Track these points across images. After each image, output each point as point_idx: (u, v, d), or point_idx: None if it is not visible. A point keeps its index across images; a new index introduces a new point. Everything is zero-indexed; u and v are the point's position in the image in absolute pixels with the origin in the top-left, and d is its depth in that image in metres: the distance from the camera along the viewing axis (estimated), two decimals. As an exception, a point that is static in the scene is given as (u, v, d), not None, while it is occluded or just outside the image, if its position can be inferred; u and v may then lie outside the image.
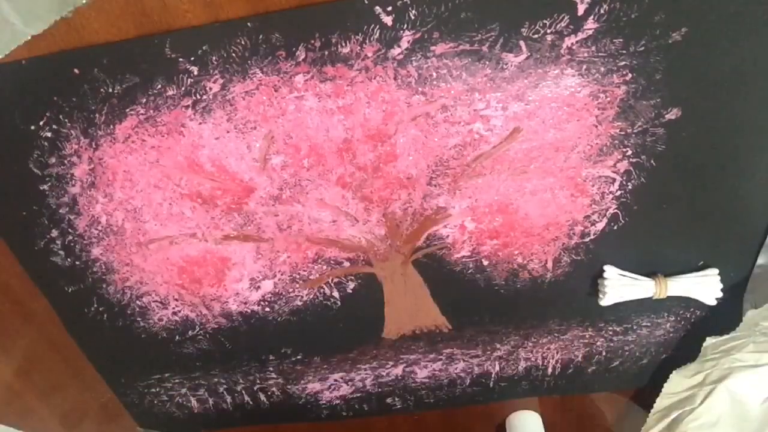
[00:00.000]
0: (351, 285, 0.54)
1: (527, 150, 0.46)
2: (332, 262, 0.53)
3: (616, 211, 0.49)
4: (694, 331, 0.57)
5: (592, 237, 0.50)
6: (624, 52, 0.41)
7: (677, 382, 0.52)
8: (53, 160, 0.47)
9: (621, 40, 0.40)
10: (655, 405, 0.52)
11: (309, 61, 0.42)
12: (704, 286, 0.51)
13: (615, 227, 0.50)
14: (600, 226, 0.50)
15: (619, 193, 0.48)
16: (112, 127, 0.45)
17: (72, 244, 0.51)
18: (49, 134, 0.45)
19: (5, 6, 0.38)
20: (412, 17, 0.40)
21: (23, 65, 0.42)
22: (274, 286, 0.54)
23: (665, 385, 0.52)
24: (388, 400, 0.65)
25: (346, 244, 0.51)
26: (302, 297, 0.55)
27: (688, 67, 0.41)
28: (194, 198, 0.49)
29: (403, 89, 0.43)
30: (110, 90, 0.43)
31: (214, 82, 0.43)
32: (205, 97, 0.44)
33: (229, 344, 0.59)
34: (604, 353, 0.59)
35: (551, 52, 0.41)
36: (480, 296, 0.54)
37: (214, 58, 0.42)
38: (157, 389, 0.64)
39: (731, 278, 0.52)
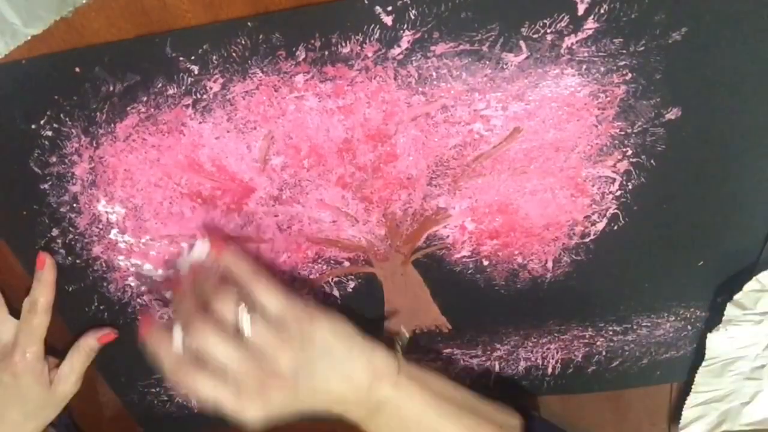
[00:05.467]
0: (351, 285, 0.54)
1: (527, 150, 0.46)
2: (332, 262, 0.53)
3: (616, 211, 0.49)
4: (694, 331, 0.57)
5: (592, 237, 0.50)
6: (624, 52, 0.41)
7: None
8: (54, 159, 0.47)
9: (621, 40, 0.40)
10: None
11: (309, 61, 0.42)
12: None
13: (615, 227, 0.50)
14: (600, 226, 0.50)
15: (619, 193, 0.48)
16: (112, 125, 0.45)
17: (72, 243, 0.51)
18: (49, 133, 0.45)
19: (5, 6, 0.38)
20: (412, 17, 0.40)
21: (23, 65, 0.42)
22: (274, 285, 0.54)
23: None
24: (388, 400, 0.65)
25: (346, 244, 0.51)
26: (302, 297, 0.55)
27: (688, 67, 0.41)
28: (194, 198, 0.49)
29: (403, 89, 0.43)
30: (111, 89, 0.43)
31: (215, 82, 0.43)
32: (205, 96, 0.44)
33: (229, 344, 0.59)
34: (604, 353, 0.59)
35: (551, 52, 0.41)
36: (480, 296, 0.54)
37: (214, 57, 0.42)
38: (157, 389, 0.64)
39: (731, 279, 0.52)
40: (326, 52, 0.41)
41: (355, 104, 0.44)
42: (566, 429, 0.51)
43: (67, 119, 0.45)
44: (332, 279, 0.54)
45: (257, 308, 0.44)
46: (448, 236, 0.51)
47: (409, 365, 0.47)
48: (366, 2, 0.39)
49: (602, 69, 0.42)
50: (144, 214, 0.50)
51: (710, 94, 0.43)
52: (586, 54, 0.41)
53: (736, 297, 0.52)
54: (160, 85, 0.43)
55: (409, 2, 0.39)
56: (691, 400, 0.57)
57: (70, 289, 0.54)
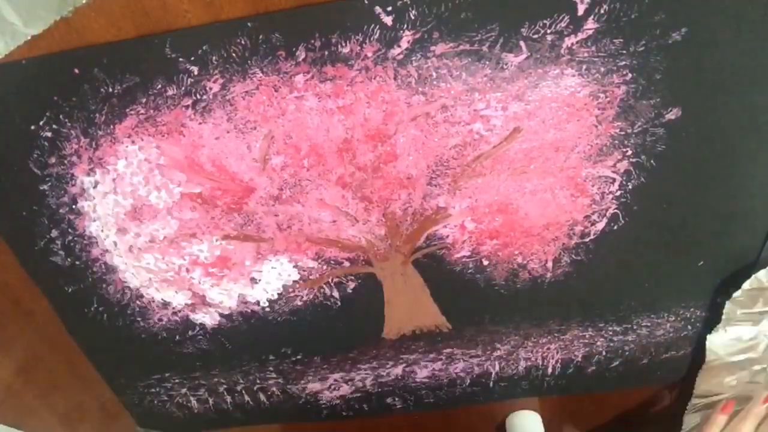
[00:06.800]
0: (351, 285, 0.54)
1: (527, 150, 0.46)
2: (332, 262, 0.53)
3: (616, 211, 0.49)
4: (694, 331, 0.57)
5: (592, 237, 0.50)
6: (624, 52, 0.41)
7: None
8: (53, 159, 0.47)
9: (621, 40, 0.40)
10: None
11: (309, 61, 0.42)
12: None
13: (615, 227, 0.50)
14: (600, 226, 0.50)
15: (619, 193, 0.48)
16: (112, 126, 0.45)
17: (72, 244, 0.51)
18: (49, 134, 0.45)
19: (5, 6, 0.38)
20: (412, 17, 0.40)
21: (23, 65, 0.42)
22: (274, 286, 0.54)
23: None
24: (388, 400, 0.65)
25: (346, 244, 0.51)
26: (302, 297, 0.55)
27: (688, 67, 0.41)
28: (194, 198, 0.49)
29: (403, 89, 0.43)
30: (110, 90, 0.43)
31: (214, 82, 0.43)
32: (205, 96, 0.44)
33: (229, 344, 0.59)
34: (604, 353, 0.59)
35: (551, 52, 0.41)
36: (480, 296, 0.54)
37: (214, 58, 0.42)
38: (157, 389, 0.64)
39: (731, 278, 0.52)
40: (326, 52, 0.41)
41: (355, 104, 0.44)
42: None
43: (67, 120, 0.45)
44: (332, 279, 0.54)
45: None
46: (448, 236, 0.51)
47: None
48: (366, 2, 0.39)
49: (602, 69, 0.42)
50: (143, 216, 0.50)
51: (710, 94, 0.43)
52: (586, 54, 0.41)
53: (735, 295, 0.52)
54: (159, 86, 0.43)
55: (409, 2, 0.39)
56: (692, 404, 0.57)
57: (70, 290, 0.54)
